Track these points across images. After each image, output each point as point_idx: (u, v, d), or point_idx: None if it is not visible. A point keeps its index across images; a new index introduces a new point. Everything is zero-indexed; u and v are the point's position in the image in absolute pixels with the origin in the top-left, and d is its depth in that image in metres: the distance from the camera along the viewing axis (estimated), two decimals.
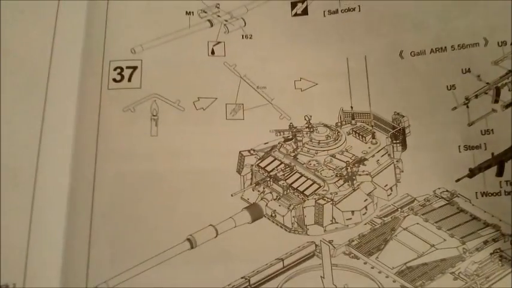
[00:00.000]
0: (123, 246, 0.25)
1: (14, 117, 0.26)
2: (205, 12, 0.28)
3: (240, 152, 0.25)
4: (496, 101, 0.27)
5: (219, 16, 0.28)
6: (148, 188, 0.26)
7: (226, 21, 0.28)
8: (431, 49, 0.28)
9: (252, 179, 0.25)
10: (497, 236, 0.25)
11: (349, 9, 0.29)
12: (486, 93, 0.27)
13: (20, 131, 0.26)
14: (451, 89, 0.27)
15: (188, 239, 0.24)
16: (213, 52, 0.27)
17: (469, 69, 0.27)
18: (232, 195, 0.25)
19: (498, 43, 0.27)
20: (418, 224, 0.25)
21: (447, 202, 0.25)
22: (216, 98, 0.26)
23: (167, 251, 0.24)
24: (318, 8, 0.29)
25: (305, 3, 0.29)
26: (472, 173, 0.26)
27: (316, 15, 0.29)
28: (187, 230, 0.25)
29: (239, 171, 0.25)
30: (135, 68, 0.27)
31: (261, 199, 0.25)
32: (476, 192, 0.26)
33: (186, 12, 0.28)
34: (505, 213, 0.25)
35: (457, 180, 0.26)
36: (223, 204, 0.24)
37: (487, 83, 0.27)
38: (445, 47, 0.27)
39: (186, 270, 0.25)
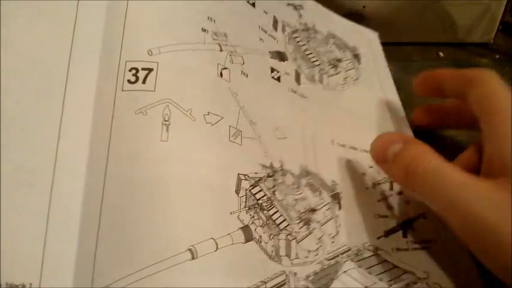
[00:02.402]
0: (127, 251, 0.25)
1: (33, 118, 0.25)
2: (217, 36, 0.31)
3: (238, 174, 0.28)
4: (391, 189, 0.38)
5: (226, 45, 0.31)
6: (154, 193, 0.26)
7: (231, 52, 0.31)
8: (349, 146, 0.39)
9: (246, 202, 0.28)
10: (415, 280, 0.34)
11: (302, 96, 0.39)
12: (384, 183, 0.39)
13: (38, 132, 0.25)
14: (363, 175, 0.38)
15: (189, 249, 0.25)
16: (221, 75, 0.30)
17: (372, 166, 0.38)
18: (231, 213, 0.27)
19: None
20: (353, 268, 0.31)
21: (373, 254, 0.33)
22: (223, 118, 0.29)
23: (169, 259, 0.24)
24: (286, 83, 0.38)
25: (279, 73, 0.37)
26: (386, 234, 0.36)
27: (284, 87, 0.37)
28: (188, 240, 0.26)
29: (237, 192, 0.28)
30: (150, 70, 0.28)
31: (251, 223, 0.28)
32: (392, 248, 0.35)
33: (202, 29, 0.30)
34: (416, 263, 0.35)
35: (378, 238, 0.35)
36: (223, 220, 0.26)
37: (384, 177, 0.39)
38: (356, 148, 0.39)
39: (184, 280, 0.25)
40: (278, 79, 0.36)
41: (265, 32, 0.37)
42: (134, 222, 0.25)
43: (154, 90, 0.28)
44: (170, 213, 0.26)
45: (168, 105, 0.27)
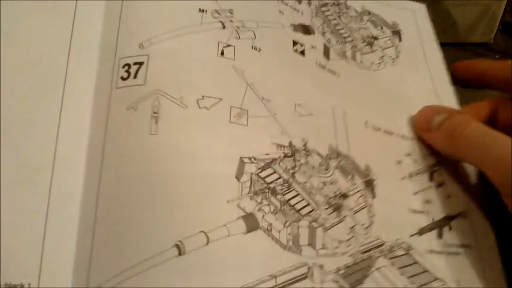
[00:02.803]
0: (120, 249, 0.24)
1: (32, 116, 0.26)
2: (219, 13, 0.28)
3: (240, 157, 0.24)
4: (431, 180, 0.34)
5: (231, 21, 0.27)
6: (146, 190, 0.25)
7: (238, 27, 0.27)
8: (384, 130, 0.34)
9: (250, 187, 0.24)
10: None
11: (332, 71, 0.34)
12: (423, 173, 0.34)
13: (38, 131, 0.25)
14: (398, 164, 0.33)
15: (176, 245, 0.23)
16: (222, 53, 0.27)
17: (410, 153, 0.34)
18: (228, 202, 0.23)
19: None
20: (385, 266, 0.28)
21: (406, 252, 0.29)
22: (221, 99, 0.26)
23: (155, 256, 0.21)
24: (312, 57, 0.34)
25: (303, 46, 0.34)
26: (420, 232, 0.31)
27: (310, 61, 0.33)
28: (179, 235, 0.24)
29: (238, 178, 0.23)
30: (141, 63, 0.27)
31: (258, 210, 0.23)
32: (425, 249, 0.30)
33: (200, 9, 0.29)
34: (448, 270, 0.30)
35: (411, 236, 0.30)
36: (218, 210, 0.23)
37: (423, 167, 0.34)
38: (393, 133, 0.34)
39: (173, 278, 0.23)
40: (302, 53, 0.32)
41: (287, 5, 0.34)
42: (126, 219, 0.24)
43: (144, 84, 0.27)
44: (159, 208, 0.24)
45: (157, 97, 0.26)
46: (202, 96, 0.27)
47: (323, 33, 0.36)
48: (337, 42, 0.36)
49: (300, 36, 0.34)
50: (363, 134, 0.33)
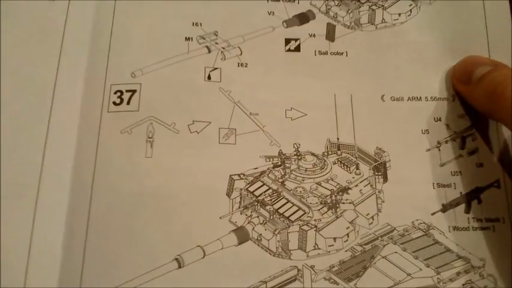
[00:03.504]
0: (115, 262, 0.28)
1: (20, 134, 0.29)
2: (204, 38, 0.30)
3: (230, 175, 0.27)
4: (462, 148, 0.32)
5: (216, 43, 0.30)
6: (141, 208, 0.30)
7: (223, 48, 0.29)
8: (408, 97, 0.33)
9: (240, 202, 0.27)
10: (468, 268, 0.29)
11: (337, 53, 0.33)
12: (454, 140, 0.32)
13: (24, 148, 0.29)
14: (425, 133, 0.32)
15: (176, 259, 0.25)
16: (209, 77, 0.29)
17: (440, 118, 0.32)
18: (220, 218, 0.26)
19: (462, 101, 0.32)
20: (396, 252, 0.26)
21: (424, 233, 0.27)
22: (210, 122, 0.28)
23: (155, 269, 0.25)
24: (310, 47, 0.34)
25: (298, 41, 0.34)
26: (444, 208, 0.31)
27: (307, 53, 0.33)
28: (176, 249, 0.29)
29: (228, 195, 0.26)
30: (134, 91, 0.29)
31: (248, 223, 0.26)
32: (448, 226, 0.30)
33: (186, 38, 0.30)
34: (473, 247, 0.30)
35: (433, 214, 0.30)
36: (212, 226, 0.26)
37: (455, 132, 0.32)
38: (420, 97, 0.33)
39: None
40: (297, 48, 0.33)
41: (278, 1, 0.35)
42: (121, 235, 0.29)
43: (138, 110, 0.31)
44: (156, 225, 0.30)
45: (151, 123, 0.30)
46: (193, 121, 0.31)
47: (327, 11, 0.35)
48: (348, 11, 0.35)
49: (294, 31, 0.34)
50: (376, 112, 0.33)
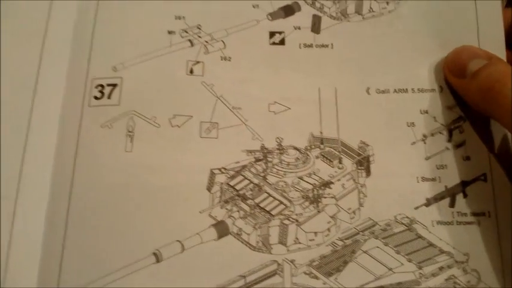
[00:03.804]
0: (93, 257, 0.29)
1: None
2: (187, 32, 0.30)
3: (211, 170, 0.27)
4: (449, 141, 0.31)
5: (199, 37, 0.29)
6: (120, 202, 0.30)
7: (206, 42, 0.29)
8: (395, 89, 0.32)
9: (221, 196, 0.26)
10: (451, 263, 0.28)
11: (323, 45, 0.33)
12: (441, 133, 0.31)
13: (5, 143, 0.29)
14: (410, 126, 0.32)
15: (154, 253, 0.25)
16: (191, 71, 0.29)
17: (426, 110, 0.32)
18: (200, 212, 0.26)
19: (451, 91, 0.32)
20: (378, 247, 0.26)
21: (406, 228, 0.27)
22: (192, 116, 0.28)
23: (133, 264, 0.25)
24: (295, 40, 0.33)
25: (282, 34, 0.33)
26: (428, 202, 0.30)
27: (292, 46, 0.33)
28: (155, 244, 0.29)
29: (209, 189, 0.26)
30: (115, 85, 0.28)
31: (228, 217, 0.26)
32: (432, 221, 0.30)
33: (168, 31, 0.30)
34: (457, 242, 0.30)
35: (416, 208, 0.30)
36: (192, 220, 0.26)
37: (442, 125, 0.32)
38: (406, 89, 0.32)
39: (150, 283, 0.27)
40: (282, 42, 0.33)
41: None
42: (100, 230, 0.29)
43: (119, 104, 0.32)
44: (135, 219, 0.30)
45: (132, 117, 0.30)
46: (174, 115, 0.31)
47: (313, 2, 0.35)
48: (335, 1, 0.35)
49: (279, 24, 0.34)
50: (361, 105, 0.32)
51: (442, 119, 0.32)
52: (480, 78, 0.28)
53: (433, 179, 0.31)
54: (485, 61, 0.29)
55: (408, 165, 0.31)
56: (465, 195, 0.30)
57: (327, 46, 0.34)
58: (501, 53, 0.32)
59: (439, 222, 0.30)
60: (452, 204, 0.30)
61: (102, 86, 0.32)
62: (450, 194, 0.30)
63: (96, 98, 0.32)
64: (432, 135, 0.31)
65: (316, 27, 0.35)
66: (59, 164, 0.30)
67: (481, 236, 0.30)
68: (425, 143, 0.31)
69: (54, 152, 0.30)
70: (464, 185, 0.31)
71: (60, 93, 0.31)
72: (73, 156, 0.30)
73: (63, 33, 0.33)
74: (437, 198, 0.30)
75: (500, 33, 0.33)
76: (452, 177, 0.31)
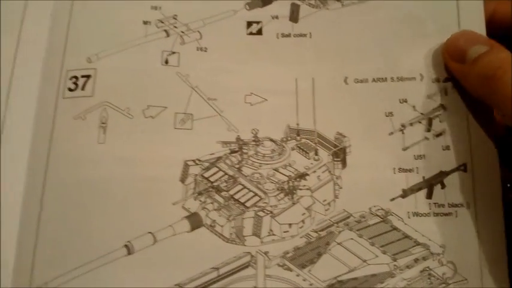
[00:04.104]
0: (66, 249, 0.29)
1: None
2: (163, 22, 0.30)
3: (185, 161, 0.26)
4: (428, 130, 0.31)
5: (175, 27, 0.29)
6: (93, 194, 0.30)
7: (182, 32, 0.29)
8: (373, 78, 0.32)
9: (194, 188, 0.26)
10: (427, 255, 0.28)
11: (301, 35, 0.33)
12: (420, 122, 0.31)
13: None
14: (388, 115, 0.31)
15: (126, 245, 0.25)
16: (166, 62, 0.29)
17: (405, 99, 0.31)
18: (173, 204, 0.25)
19: (432, 79, 0.32)
20: (352, 239, 0.26)
21: (381, 220, 0.26)
22: (166, 107, 0.28)
23: (105, 256, 0.24)
24: (272, 30, 0.33)
25: (260, 24, 0.32)
26: (404, 194, 0.30)
27: (269, 36, 0.33)
28: (128, 236, 0.29)
29: (182, 181, 0.26)
30: (89, 76, 0.28)
31: (202, 209, 0.26)
32: (408, 212, 0.30)
33: (144, 21, 0.30)
34: (434, 233, 0.29)
35: (392, 200, 0.30)
36: (165, 212, 0.26)
37: (421, 114, 0.31)
38: (385, 78, 0.32)
39: (122, 275, 0.27)
40: (259, 32, 0.33)
41: None
42: (73, 222, 0.29)
43: (92, 96, 0.31)
44: (107, 211, 0.30)
45: (105, 108, 0.30)
46: (148, 106, 0.31)
47: None
48: None
49: (257, 13, 0.34)
50: (339, 95, 0.32)
51: (421, 108, 0.31)
52: (481, 65, 0.28)
53: (411, 170, 0.30)
54: (487, 47, 0.28)
55: (385, 156, 0.31)
56: (443, 186, 0.30)
57: (305, 35, 0.33)
58: None
59: (415, 214, 0.30)
60: (429, 196, 0.30)
61: (76, 77, 0.31)
62: (428, 185, 0.30)
63: (70, 89, 0.31)
64: (411, 124, 0.31)
65: (294, 16, 0.34)
66: (34, 157, 0.30)
67: (459, 228, 0.29)
68: (403, 133, 0.31)
69: (29, 145, 0.30)
70: (442, 175, 0.30)
71: (36, 85, 0.31)
72: (47, 149, 0.30)
73: (40, 26, 0.33)
74: (414, 189, 0.30)
75: (481, 22, 0.32)
76: (431, 168, 0.30)
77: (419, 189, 0.30)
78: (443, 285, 0.29)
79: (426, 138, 0.31)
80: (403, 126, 0.31)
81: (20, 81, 0.31)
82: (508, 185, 0.33)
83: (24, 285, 0.28)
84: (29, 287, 0.28)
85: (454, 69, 0.30)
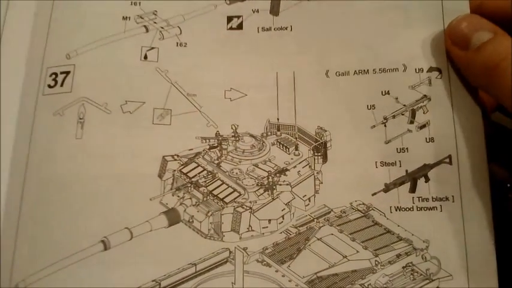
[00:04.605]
0: (44, 246, 0.29)
1: None
2: (142, 18, 0.30)
3: (163, 156, 0.26)
4: (412, 122, 0.30)
5: (155, 23, 0.29)
6: (70, 190, 0.30)
7: (162, 28, 0.28)
8: (355, 71, 0.32)
9: (172, 184, 0.26)
10: (409, 250, 0.27)
11: (281, 28, 0.33)
12: (403, 115, 0.31)
13: None
14: (371, 108, 0.31)
15: (102, 241, 0.24)
16: (145, 57, 0.29)
17: (388, 91, 0.31)
18: (150, 200, 0.25)
19: (416, 70, 0.31)
20: (332, 234, 0.26)
21: (363, 215, 0.26)
22: (144, 102, 0.28)
23: (81, 251, 0.24)
24: (253, 24, 0.33)
25: (240, 18, 0.32)
26: (387, 188, 0.30)
27: (250, 31, 0.33)
28: (104, 231, 0.29)
29: (160, 176, 0.26)
30: (68, 73, 0.27)
31: (180, 204, 0.26)
32: (390, 207, 0.29)
33: (123, 17, 0.30)
34: (417, 228, 0.29)
35: (373, 194, 0.29)
36: (142, 208, 0.25)
37: (404, 105, 0.31)
38: (367, 70, 0.31)
39: (99, 271, 0.26)
40: (239, 26, 0.32)
41: None
42: (51, 218, 0.29)
43: (70, 91, 0.31)
44: (84, 207, 0.30)
45: (83, 104, 0.30)
46: (126, 101, 0.31)
47: None
48: None
49: (237, 7, 0.34)
50: (319, 89, 0.32)
51: (404, 99, 0.31)
52: (485, 54, 0.27)
53: (393, 164, 0.30)
54: (491, 34, 0.27)
55: (367, 150, 0.30)
56: (427, 180, 0.30)
57: (285, 29, 0.33)
58: None
59: (397, 208, 0.29)
60: (413, 190, 0.29)
61: (56, 74, 0.31)
62: (411, 179, 0.30)
63: (50, 86, 0.31)
64: (394, 117, 0.31)
65: (275, 9, 0.34)
66: (15, 155, 0.30)
67: (443, 222, 0.29)
68: (385, 126, 0.31)
69: (12, 143, 0.30)
70: (426, 168, 0.30)
71: (20, 84, 0.31)
72: (27, 146, 0.30)
73: (22, 24, 0.33)
74: (397, 183, 0.30)
75: (466, 11, 0.32)
76: (414, 161, 0.30)
77: (402, 183, 0.30)
78: (427, 281, 0.28)
79: (409, 131, 0.30)
80: (385, 119, 0.31)
81: (4, 81, 0.31)
82: (508, 185, 0.33)
83: (4, 284, 0.28)
84: (8, 287, 0.28)
85: (456, 56, 0.29)
